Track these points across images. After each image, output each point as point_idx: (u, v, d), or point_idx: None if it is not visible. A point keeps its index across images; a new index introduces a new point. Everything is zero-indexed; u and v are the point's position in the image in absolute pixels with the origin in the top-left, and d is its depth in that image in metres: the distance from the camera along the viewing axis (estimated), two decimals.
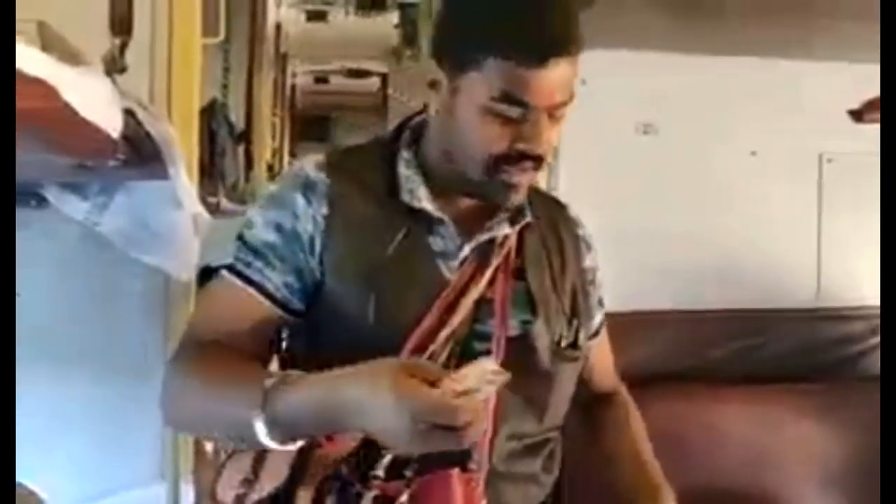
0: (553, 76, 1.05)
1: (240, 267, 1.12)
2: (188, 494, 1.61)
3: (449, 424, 0.85)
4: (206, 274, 2.18)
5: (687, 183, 2.15)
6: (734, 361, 2.16)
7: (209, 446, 2.00)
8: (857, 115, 1.72)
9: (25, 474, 1.18)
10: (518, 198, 1.14)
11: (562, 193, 2.02)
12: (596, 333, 1.34)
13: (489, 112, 1.06)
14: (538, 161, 1.10)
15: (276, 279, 1.11)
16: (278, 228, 1.11)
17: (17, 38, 0.70)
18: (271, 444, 0.96)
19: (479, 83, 1.06)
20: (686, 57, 2.09)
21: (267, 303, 1.11)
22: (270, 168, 4.81)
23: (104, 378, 1.59)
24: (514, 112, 1.06)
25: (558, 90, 1.06)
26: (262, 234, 1.12)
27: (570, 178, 2.06)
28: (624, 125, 2.13)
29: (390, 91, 7.64)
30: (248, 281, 1.11)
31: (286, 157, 6.66)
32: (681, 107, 2.12)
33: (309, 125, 9.47)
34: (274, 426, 0.95)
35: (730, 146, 2.17)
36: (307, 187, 1.13)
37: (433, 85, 1.12)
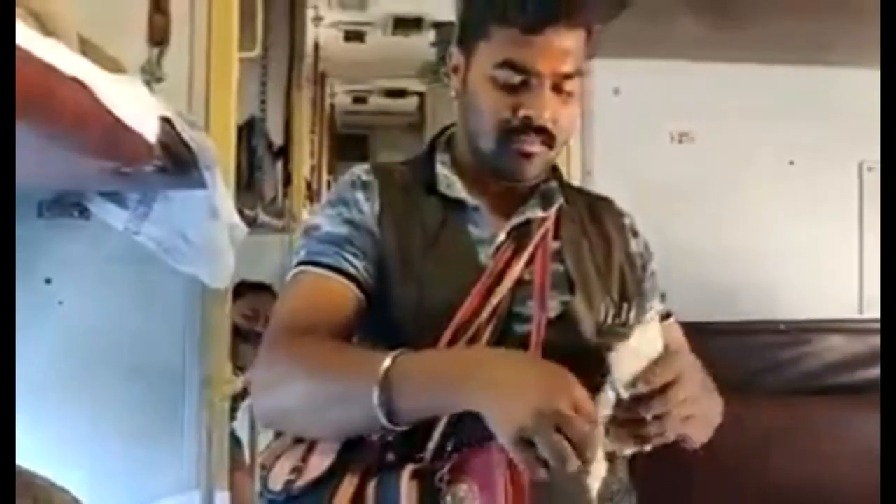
0: (553, 44, 1.11)
1: (322, 259, 1.16)
2: (223, 503, 1.62)
3: (570, 438, 0.85)
4: (241, 287, 2.21)
5: (724, 193, 2.13)
6: (776, 374, 2.12)
7: (247, 454, 2.02)
8: None
9: (64, 481, 1.20)
10: (532, 170, 1.19)
11: None
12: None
13: (494, 81, 1.14)
14: (546, 134, 1.15)
15: (357, 264, 1.16)
16: (348, 222, 1.19)
17: (55, 40, 0.72)
18: (385, 420, 0.97)
19: (486, 53, 1.15)
20: (721, 65, 2.08)
21: (353, 286, 1.15)
22: (308, 185, 4.85)
23: (141, 385, 1.61)
24: (517, 79, 1.12)
25: (560, 59, 1.12)
26: (335, 229, 1.18)
27: (606, 188, 2.04)
28: (659, 134, 2.12)
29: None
30: (334, 269, 1.15)
31: (324, 175, 6.72)
32: (717, 115, 2.11)
33: (347, 143, 9.57)
34: (391, 397, 0.96)
35: (767, 155, 2.15)
36: (364, 187, 1.22)
37: (456, 70, 1.21)
